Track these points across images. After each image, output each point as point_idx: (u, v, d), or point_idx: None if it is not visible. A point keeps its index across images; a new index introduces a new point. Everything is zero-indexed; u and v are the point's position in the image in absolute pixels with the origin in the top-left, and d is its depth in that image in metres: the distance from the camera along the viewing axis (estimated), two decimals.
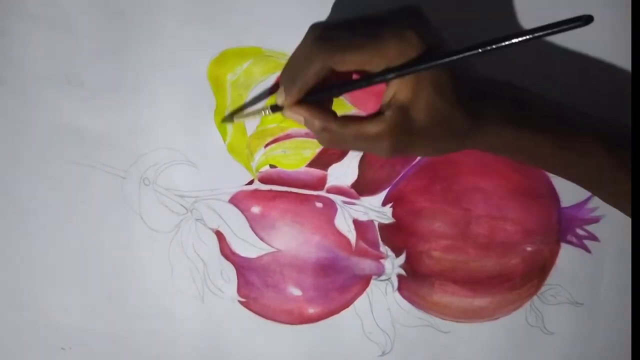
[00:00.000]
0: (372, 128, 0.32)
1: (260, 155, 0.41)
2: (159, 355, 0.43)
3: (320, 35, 0.32)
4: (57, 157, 0.40)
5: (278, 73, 0.40)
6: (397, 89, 0.31)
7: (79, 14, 0.39)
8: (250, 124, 0.40)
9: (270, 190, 0.41)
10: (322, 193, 0.41)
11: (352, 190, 0.42)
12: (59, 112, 0.40)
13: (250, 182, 0.41)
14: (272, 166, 0.41)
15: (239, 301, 0.42)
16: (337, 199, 0.42)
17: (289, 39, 0.39)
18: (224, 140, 0.41)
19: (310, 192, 0.41)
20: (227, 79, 0.40)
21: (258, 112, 0.37)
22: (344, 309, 0.43)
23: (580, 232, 0.42)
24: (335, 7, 0.39)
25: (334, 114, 0.34)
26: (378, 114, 0.33)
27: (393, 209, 0.42)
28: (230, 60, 0.40)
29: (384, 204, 0.42)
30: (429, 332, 0.43)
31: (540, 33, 0.27)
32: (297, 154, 0.41)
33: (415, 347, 0.43)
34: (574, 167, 0.35)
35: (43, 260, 0.41)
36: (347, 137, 0.33)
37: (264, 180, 0.41)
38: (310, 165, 0.41)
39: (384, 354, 0.43)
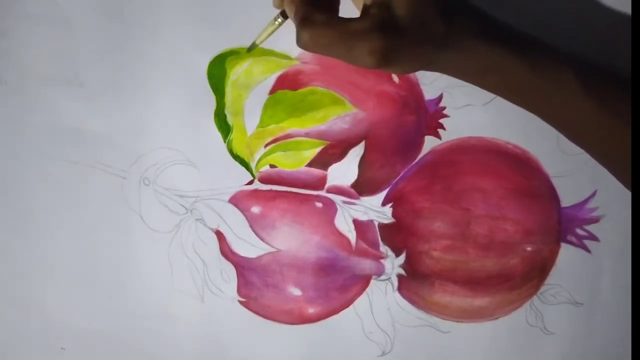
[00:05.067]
0: (358, 25, 0.30)
1: (260, 155, 0.41)
2: (158, 355, 0.43)
3: None
4: (57, 157, 0.40)
5: (278, 73, 0.40)
6: None
7: (79, 14, 0.39)
8: (252, 120, 0.40)
9: (270, 190, 0.41)
10: (322, 193, 0.41)
11: (352, 190, 0.42)
12: (59, 112, 0.40)
13: (250, 182, 0.41)
14: (272, 166, 0.41)
15: (239, 301, 0.42)
16: (337, 198, 0.42)
17: (289, 39, 0.39)
18: (224, 140, 0.41)
19: (310, 192, 0.41)
20: (227, 79, 0.40)
21: (272, 24, 0.35)
22: (344, 308, 0.43)
23: (580, 232, 0.42)
24: None
25: (324, 9, 0.32)
26: (363, 14, 0.32)
27: (393, 208, 0.42)
28: (230, 60, 0.40)
29: (383, 203, 0.42)
30: (429, 332, 0.43)
31: None
32: (297, 154, 0.41)
33: (415, 347, 0.43)
34: (549, 100, 0.35)
35: (43, 260, 0.41)
36: (329, 35, 0.31)
37: (264, 180, 0.41)
38: (310, 165, 0.41)
39: (384, 354, 0.43)
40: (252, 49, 0.38)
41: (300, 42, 0.31)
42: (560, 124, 0.36)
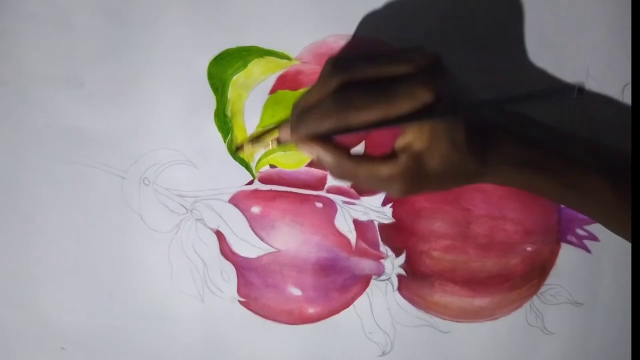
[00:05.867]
0: (385, 170, 0.33)
1: (260, 155, 0.41)
2: (158, 355, 0.43)
3: (339, 93, 0.32)
4: (57, 157, 0.40)
5: (278, 73, 0.40)
6: (413, 138, 0.32)
7: (79, 14, 0.39)
8: (252, 120, 0.40)
9: (270, 190, 0.41)
10: (322, 193, 0.41)
11: (352, 190, 0.42)
12: (59, 112, 0.40)
13: (250, 182, 0.41)
14: (272, 166, 0.41)
15: (239, 301, 0.42)
16: (337, 198, 0.42)
17: (289, 39, 0.39)
18: (224, 140, 0.41)
19: (310, 192, 0.41)
20: (227, 79, 0.40)
21: (264, 144, 0.39)
22: (344, 308, 0.43)
23: (580, 232, 0.43)
24: (334, 8, 0.39)
25: (347, 151, 0.33)
26: (391, 156, 0.33)
27: (393, 208, 0.42)
28: (230, 60, 0.40)
29: (384, 203, 0.42)
30: (429, 332, 0.43)
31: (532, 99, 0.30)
32: (297, 154, 0.41)
33: (415, 347, 0.43)
34: (577, 202, 0.37)
35: (43, 260, 0.41)
36: (359, 176, 0.33)
37: (264, 180, 0.41)
38: (310, 165, 0.41)
39: (384, 354, 0.43)
40: (238, 153, 0.40)
41: (333, 176, 0.34)
42: (590, 216, 0.39)
